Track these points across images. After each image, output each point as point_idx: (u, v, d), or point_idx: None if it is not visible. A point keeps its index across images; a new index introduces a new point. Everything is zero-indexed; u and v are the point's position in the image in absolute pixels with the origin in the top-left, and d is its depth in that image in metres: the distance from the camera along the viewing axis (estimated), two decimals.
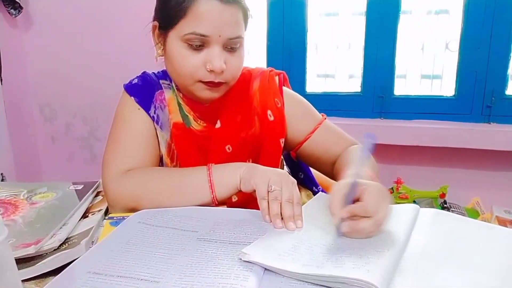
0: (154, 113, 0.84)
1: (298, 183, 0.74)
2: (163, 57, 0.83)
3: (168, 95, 0.87)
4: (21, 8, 1.83)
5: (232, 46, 0.77)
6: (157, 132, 0.85)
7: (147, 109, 0.84)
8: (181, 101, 0.87)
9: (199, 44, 0.75)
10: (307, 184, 1.00)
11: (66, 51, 1.92)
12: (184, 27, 0.75)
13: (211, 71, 0.76)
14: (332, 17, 1.79)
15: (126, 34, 1.80)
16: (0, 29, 1.86)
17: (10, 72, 1.88)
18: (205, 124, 0.87)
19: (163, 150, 0.86)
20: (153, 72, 0.90)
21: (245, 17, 0.79)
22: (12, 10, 1.83)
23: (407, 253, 0.56)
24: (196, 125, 0.86)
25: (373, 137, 0.60)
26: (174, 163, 0.87)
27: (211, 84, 0.78)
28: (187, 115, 0.86)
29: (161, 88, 0.87)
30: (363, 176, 0.63)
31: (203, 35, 0.74)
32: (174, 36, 0.77)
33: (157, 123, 0.85)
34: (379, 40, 1.67)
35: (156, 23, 0.81)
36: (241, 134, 0.87)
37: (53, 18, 1.90)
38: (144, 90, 0.86)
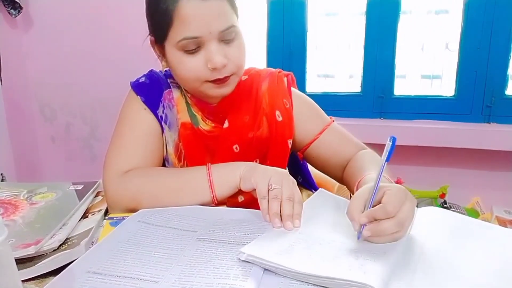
0: (163, 112, 0.84)
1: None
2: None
3: (177, 95, 0.86)
4: (21, 8, 1.84)
5: (226, 37, 0.76)
6: (165, 131, 0.84)
7: (154, 109, 0.84)
8: (189, 101, 0.86)
9: (194, 47, 0.75)
10: (306, 188, 1.00)
11: (66, 51, 1.92)
12: (175, 35, 0.74)
13: (214, 69, 0.75)
14: (332, 17, 1.79)
15: (126, 35, 1.80)
16: (0, 29, 1.87)
17: (10, 72, 1.88)
18: (213, 124, 0.86)
19: (171, 150, 0.85)
20: (160, 71, 0.90)
21: (233, 5, 0.77)
22: (12, 10, 1.83)
23: (405, 253, 0.56)
24: (204, 125, 0.86)
25: (395, 141, 0.60)
26: (182, 163, 0.86)
27: (218, 82, 0.77)
28: (195, 115, 0.86)
29: (170, 87, 0.87)
30: (383, 181, 0.62)
31: (195, 37, 0.73)
32: (169, 46, 0.77)
33: (165, 122, 0.84)
34: (379, 40, 1.67)
35: (152, 38, 0.81)
36: (249, 134, 0.86)
37: (53, 18, 1.91)
38: (152, 89, 0.85)
